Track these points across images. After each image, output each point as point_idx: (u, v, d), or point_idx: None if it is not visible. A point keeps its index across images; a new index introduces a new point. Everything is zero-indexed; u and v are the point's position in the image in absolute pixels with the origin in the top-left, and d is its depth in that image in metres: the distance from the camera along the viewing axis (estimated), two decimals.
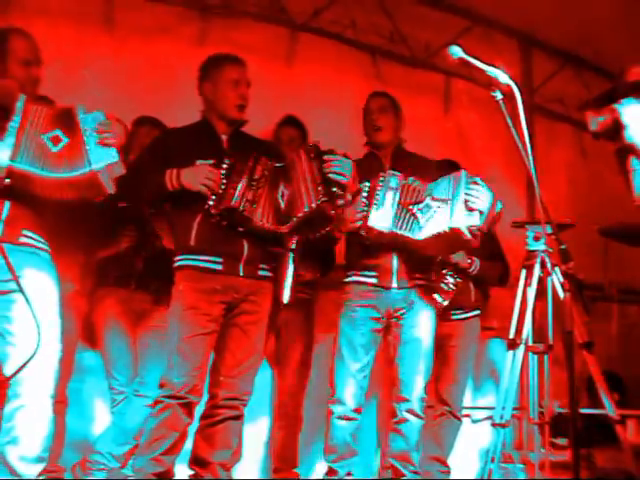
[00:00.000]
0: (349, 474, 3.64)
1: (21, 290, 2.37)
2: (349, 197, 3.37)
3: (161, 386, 3.30)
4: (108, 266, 3.92)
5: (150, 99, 4.57)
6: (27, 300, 2.39)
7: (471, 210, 3.44)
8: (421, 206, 3.57)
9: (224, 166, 3.28)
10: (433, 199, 3.54)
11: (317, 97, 5.21)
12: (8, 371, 2.83)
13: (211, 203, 3.25)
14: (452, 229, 3.45)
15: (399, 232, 3.54)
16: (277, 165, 3.35)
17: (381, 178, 3.61)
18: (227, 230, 3.30)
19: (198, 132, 3.50)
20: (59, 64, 4.07)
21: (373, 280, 3.69)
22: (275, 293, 3.82)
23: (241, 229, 3.30)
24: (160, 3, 4.93)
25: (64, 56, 4.36)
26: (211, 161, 3.31)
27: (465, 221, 3.43)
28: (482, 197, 3.47)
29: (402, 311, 3.69)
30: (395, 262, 3.68)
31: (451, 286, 4.05)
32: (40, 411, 2.89)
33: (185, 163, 3.32)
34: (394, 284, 3.68)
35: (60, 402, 3.73)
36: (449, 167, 3.99)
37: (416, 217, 3.55)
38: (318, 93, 5.25)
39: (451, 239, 3.51)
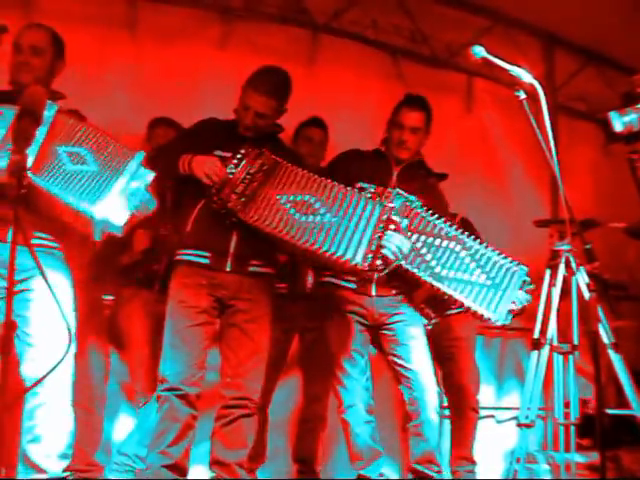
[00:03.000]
0: (381, 475, 3.62)
1: (51, 291, 2.38)
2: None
3: (159, 382, 3.34)
4: (131, 268, 3.94)
5: (172, 102, 4.60)
6: (57, 301, 2.40)
7: (511, 312, 3.34)
8: (431, 242, 3.41)
9: (234, 161, 3.30)
10: (481, 268, 3.35)
11: (338, 98, 5.20)
12: (26, 371, 2.86)
13: (213, 191, 3.27)
14: (483, 315, 3.33)
15: (407, 266, 3.35)
16: (278, 161, 3.32)
17: (387, 193, 3.55)
18: (221, 221, 3.29)
19: (225, 129, 3.52)
20: (81, 67, 4.11)
21: (352, 286, 3.62)
22: (293, 289, 3.83)
23: (234, 220, 3.28)
24: (181, 6, 4.95)
25: (86, 60, 4.40)
26: (229, 155, 3.33)
27: (502, 320, 3.33)
28: (525, 304, 3.38)
29: (387, 316, 3.63)
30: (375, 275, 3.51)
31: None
32: (60, 408, 2.91)
33: (208, 152, 3.36)
34: (373, 292, 3.61)
35: (100, 400, 3.79)
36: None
37: (417, 250, 3.38)
38: (339, 94, 5.25)
39: (469, 313, 3.38)
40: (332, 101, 5.11)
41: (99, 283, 3.97)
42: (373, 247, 3.14)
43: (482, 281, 3.33)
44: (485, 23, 5.68)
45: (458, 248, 3.38)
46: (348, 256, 3.13)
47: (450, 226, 3.42)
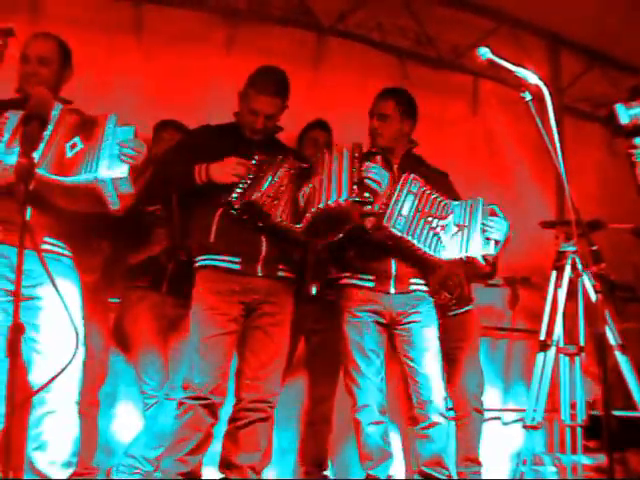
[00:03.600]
0: (390, 477, 3.62)
1: (61, 298, 2.38)
2: (376, 208, 3.39)
3: (183, 388, 3.33)
4: (139, 271, 3.95)
5: (178, 106, 4.60)
6: (66, 308, 2.41)
7: (488, 240, 3.47)
8: (443, 223, 3.55)
9: (253, 162, 3.32)
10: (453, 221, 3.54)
11: (344, 100, 5.20)
12: (35, 378, 2.87)
13: (235, 196, 3.28)
14: (468, 257, 3.46)
15: (413, 241, 3.46)
16: (303, 166, 3.37)
17: (401, 180, 3.56)
18: (246, 226, 3.31)
19: (229, 133, 3.53)
20: (88, 72, 4.12)
21: (370, 284, 3.62)
22: (301, 290, 3.85)
23: (260, 224, 3.31)
24: (187, 10, 4.97)
25: (93, 65, 4.41)
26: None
27: (482, 251, 3.46)
28: (499, 227, 3.51)
29: (405, 315, 3.63)
30: (394, 267, 3.61)
31: (457, 281, 4.06)
32: (67, 416, 2.90)
33: (213, 160, 3.36)
34: (392, 289, 3.62)
35: (92, 405, 3.78)
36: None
37: (437, 233, 3.51)
38: (345, 96, 5.25)
39: (465, 266, 3.53)
40: (337, 103, 5.12)
41: (107, 286, 3.99)
42: (355, 179, 3.26)
43: (456, 231, 3.50)
44: (490, 24, 5.68)
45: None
46: (334, 198, 3.22)
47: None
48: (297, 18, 5.32)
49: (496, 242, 3.48)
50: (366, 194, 3.27)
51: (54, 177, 2.80)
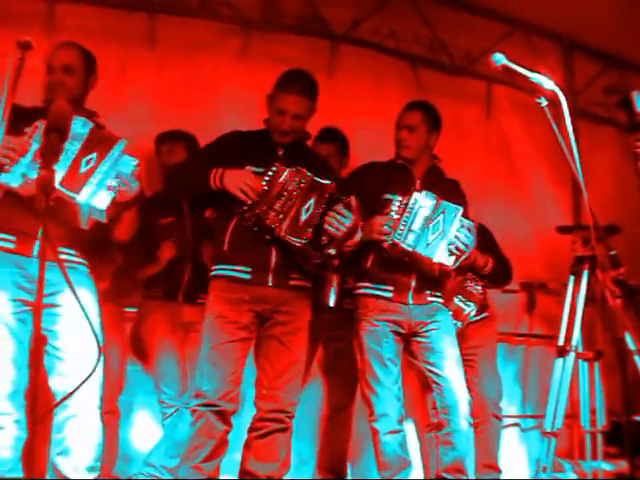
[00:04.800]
0: None
1: (82, 306, 2.40)
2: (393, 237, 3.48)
3: (195, 396, 3.34)
4: (156, 280, 3.96)
5: (192, 114, 4.62)
6: (87, 316, 2.42)
7: (452, 254, 3.53)
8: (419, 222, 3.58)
9: (269, 174, 3.30)
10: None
11: (358, 108, 5.21)
12: (55, 385, 2.89)
13: (244, 208, 3.28)
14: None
15: (427, 254, 3.51)
16: (315, 180, 3.35)
17: (414, 196, 3.58)
18: (259, 237, 3.31)
19: (257, 139, 3.51)
20: (103, 83, 4.14)
21: (388, 295, 3.64)
22: (318, 300, 3.85)
23: (268, 237, 3.31)
24: (201, 20, 4.98)
25: (107, 74, 4.42)
26: (262, 169, 3.33)
27: (443, 261, 3.53)
28: (468, 245, 3.55)
29: (423, 324, 3.64)
30: (414, 280, 3.64)
31: (479, 289, 4.06)
32: (89, 421, 2.93)
33: (237, 166, 3.35)
34: (410, 301, 3.64)
35: (112, 413, 3.80)
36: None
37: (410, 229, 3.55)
38: (359, 103, 5.25)
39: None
40: (352, 110, 5.12)
41: (121, 295, 4.00)
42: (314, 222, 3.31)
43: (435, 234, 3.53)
44: (503, 29, 5.67)
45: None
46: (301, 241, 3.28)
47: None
48: (310, 26, 5.32)
49: (457, 257, 3.53)
50: (323, 237, 3.31)
51: (66, 192, 2.84)
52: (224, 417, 3.30)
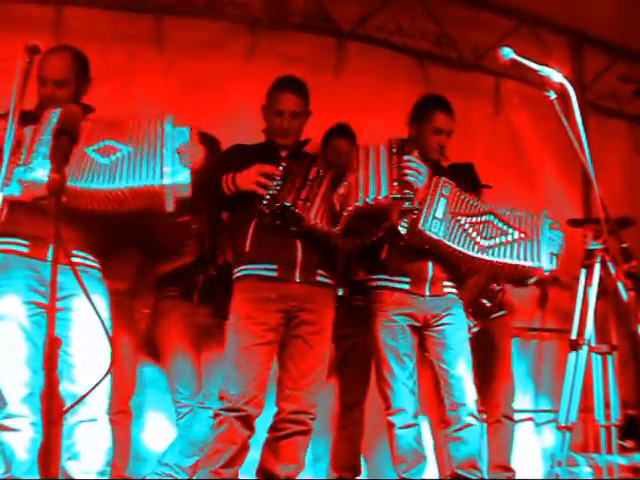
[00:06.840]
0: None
1: (96, 312, 2.40)
2: (416, 204, 3.37)
3: (219, 398, 3.32)
4: (170, 280, 3.97)
5: (200, 114, 4.63)
6: (101, 321, 2.42)
7: (552, 255, 3.49)
8: (474, 220, 3.52)
9: (280, 168, 3.31)
10: (513, 227, 3.54)
11: (366, 104, 5.20)
12: (67, 389, 2.88)
13: (265, 202, 3.26)
14: (533, 268, 3.47)
15: (449, 243, 3.45)
16: (334, 166, 3.36)
17: (433, 184, 3.54)
18: (280, 232, 3.30)
19: (259, 149, 3.55)
20: (111, 84, 4.16)
21: (405, 287, 3.61)
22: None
23: (294, 229, 3.29)
24: (207, 20, 4.99)
25: (115, 75, 4.46)
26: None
27: (549, 265, 3.47)
28: (562, 243, 3.53)
29: (438, 317, 3.62)
30: (430, 270, 3.61)
31: (499, 286, 4.05)
32: (99, 425, 2.93)
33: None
34: (427, 292, 3.62)
35: (125, 413, 3.81)
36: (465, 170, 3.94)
37: (466, 230, 3.49)
38: (367, 100, 5.25)
39: (520, 274, 3.54)
40: (360, 107, 5.11)
41: (139, 295, 4.01)
42: (395, 175, 3.24)
43: (517, 238, 3.48)
44: (511, 23, 5.65)
45: (492, 218, 3.53)
46: (373, 195, 3.18)
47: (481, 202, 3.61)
48: (317, 24, 5.33)
49: (557, 257, 3.51)
50: (406, 190, 3.24)
51: (94, 186, 2.83)
52: (248, 422, 3.28)
